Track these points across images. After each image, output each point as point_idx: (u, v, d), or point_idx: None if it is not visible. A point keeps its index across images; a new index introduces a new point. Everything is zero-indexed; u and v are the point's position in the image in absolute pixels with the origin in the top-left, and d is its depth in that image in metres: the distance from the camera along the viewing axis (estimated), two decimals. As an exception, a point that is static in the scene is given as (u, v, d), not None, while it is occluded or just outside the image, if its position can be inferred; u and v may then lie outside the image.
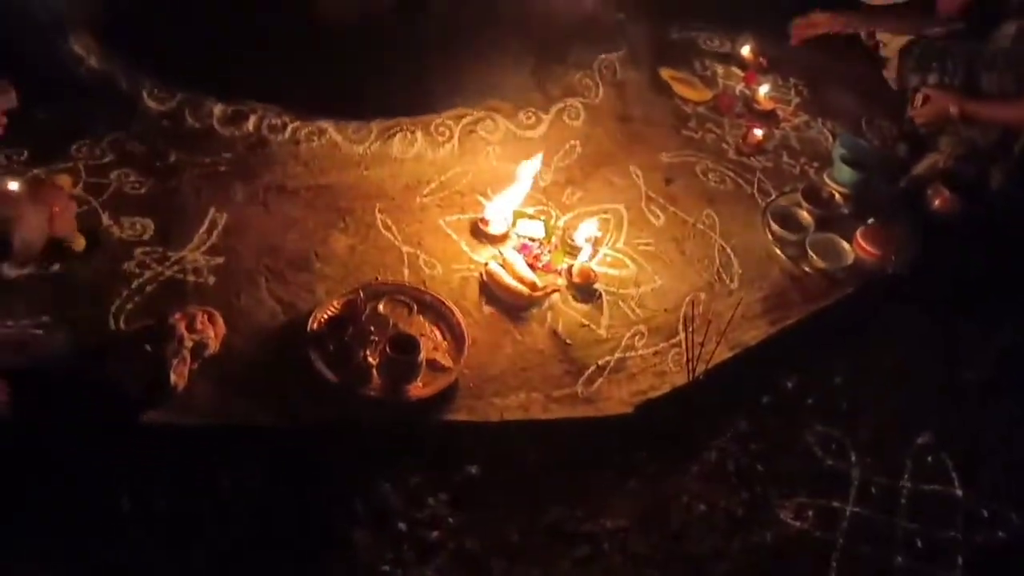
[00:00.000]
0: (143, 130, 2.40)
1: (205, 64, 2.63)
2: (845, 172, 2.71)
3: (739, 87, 3.15)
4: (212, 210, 2.25)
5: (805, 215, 2.55)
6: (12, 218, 1.77)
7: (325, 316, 1.99)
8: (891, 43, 3.26)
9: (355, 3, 3.01)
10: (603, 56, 2.94)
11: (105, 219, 2.15)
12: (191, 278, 2.06)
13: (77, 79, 2.46)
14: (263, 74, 2.67)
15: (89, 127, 2.39)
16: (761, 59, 3.28)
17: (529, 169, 2.40)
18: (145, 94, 2.44)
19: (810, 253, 2.42)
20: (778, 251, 2.47)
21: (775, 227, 2.51)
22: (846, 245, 2.44)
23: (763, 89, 3.06)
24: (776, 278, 2.40)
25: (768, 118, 3.01)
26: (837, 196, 2.65)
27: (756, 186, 2.72)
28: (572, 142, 2.69)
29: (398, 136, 2.49)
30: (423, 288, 2.13)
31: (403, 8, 3.11)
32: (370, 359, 1.90)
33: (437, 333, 2.04)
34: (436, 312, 2.08)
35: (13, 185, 1.90)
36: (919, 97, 2.67)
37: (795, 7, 3.33)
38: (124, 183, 2.27)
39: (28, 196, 1.82)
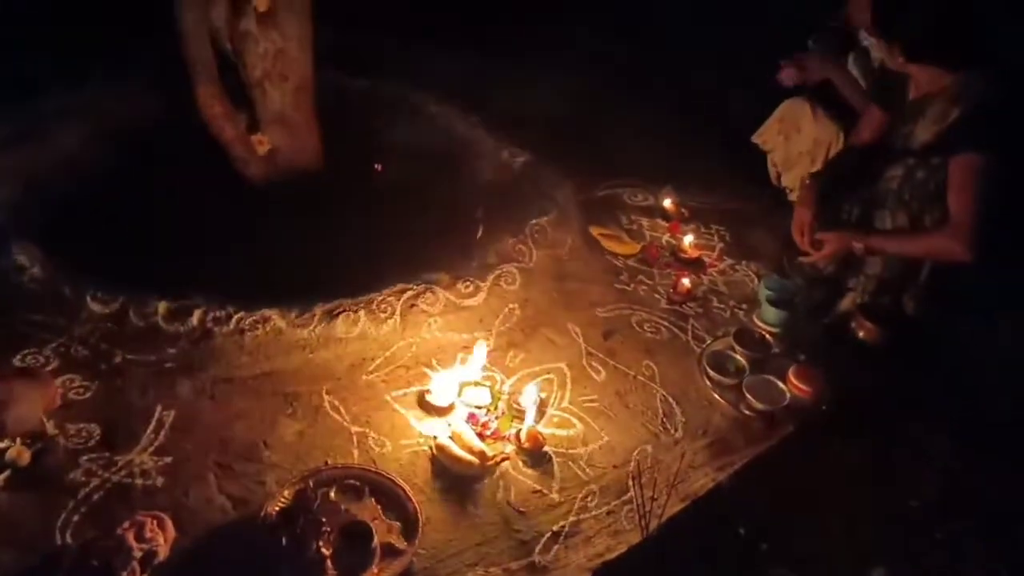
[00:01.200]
0: (87, 333, 2.43)
1: (146, 263, 2.72)
2: (771, 312, 2.84)
3: (665, 238, 3.32)
4: (159, 408, 2.27)
5: (739, 358, 2.65)
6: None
7: (276, 508, 1.99)
8: (796, 188, 3.49)
9: (291, 191, 3.17)
10: (534, 221, 3.09)
11: (50, 428, 2.15)
12: (139, 481, 2.06)
13: (20, 289, 2.50)
14: (203, 267, 2.77)
15: (33, 336, 2.41)
16: (683, 209, 3.48)
17: (476, 359, 2.48)
18: (88, 297, 2.49)
19: (747, 396, 2.51)
20: (717, 396, 2.55)
21: (712, 373, 2.60)
22: (781, 385, 2.54)
23: (687, 239, 3.23)
24: (718, 423, 2.47)
25: (695, 265, 3.17)
26: (767, 336, 2.77)
27: (690, 333, 2.83)
28: (511, 306, 2.79)
29: (341, 317, 2.56)
30: (373, 469, 2.14)
31: (341, 194, 3.29)
32: (323, 549, 1.89)
33: (390, 515, 2.04)
34: (388, 493, 2.09)
35: None
36: (803, 239, 2.84)
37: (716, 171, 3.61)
38: (69, 388, 2.28)
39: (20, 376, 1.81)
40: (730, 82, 4.32)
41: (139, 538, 1.81)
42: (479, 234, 3.16)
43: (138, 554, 1.79)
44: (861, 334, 2.76)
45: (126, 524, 1.84)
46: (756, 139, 3.62)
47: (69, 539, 1.88)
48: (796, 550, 2.18)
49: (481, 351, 2.52)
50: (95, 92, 3.50)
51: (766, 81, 3.48)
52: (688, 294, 2.97)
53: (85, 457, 2.09)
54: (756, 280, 3.11)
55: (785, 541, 2.19)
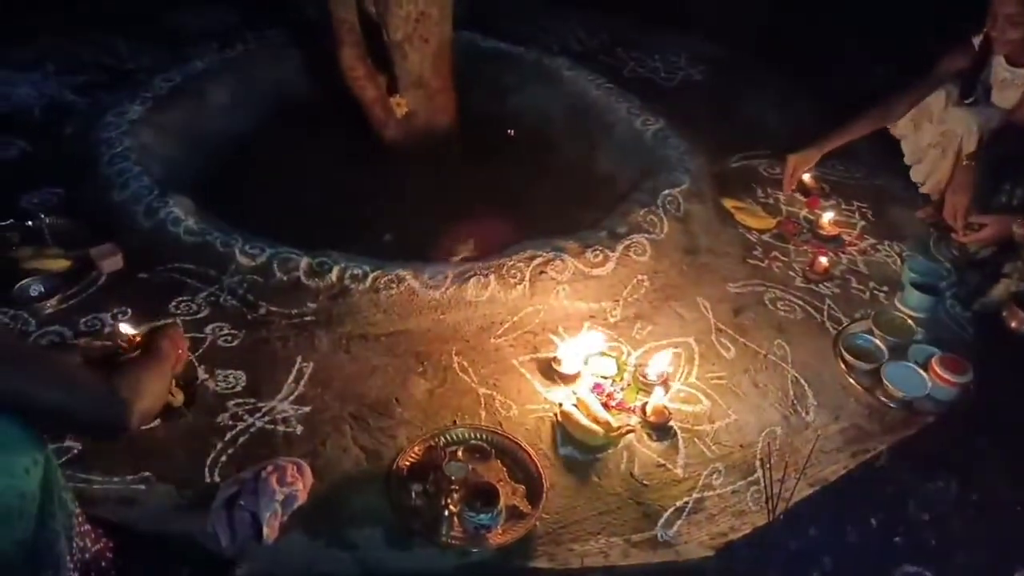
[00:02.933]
0: (235, 284, 2.56)
1: (291, 221, 2.85)
2: (915, 297, 2.71)
3: (802, 213, 3.20)
4: (299, 359, 2.37)
5: (878, 343, 2.55)
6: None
7: (406, 464, 2.06)
8: (925, 181, 3.30)
9: (428, 156, 3.23)
10: (666, 191, 3.04)
11: (201, 373, 2.29)
12: (280, 428, 2.16)
13: (177, 239, 2.66)
14: (344, 227, 2.87)
15: (187, 284, 2.56)
16: (822, 184, 3.35)
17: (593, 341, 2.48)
18: (237, 251, 2.62)
19: (886, 383, 2.41)
20: (852, 381, 2.46)
21: (848, 356, 2.51)
22: (923, 373, 2.42)
23: (827, 215, 3.10)
24: (853, 409, 2.39)
25: (833, 243, 3.05)
26: (909, 321, 2.64)
27: (826, 314, 2.73)
28: (640, 277, 2.76)
29: (472, 280, 2.60)
30: (500, 432, 2.19)
31: (474, 159, 3.33)
32: (451, 507, 1.95)
33: (514, 478, 2.08)
34: (513, 456, 2.13)
35: (128, 328, 2.04)
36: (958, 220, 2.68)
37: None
38: (218, 336, 2.42)
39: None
40: (876, 51, 4.11)
41: (281, 482, 1.92)
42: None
43: (280, 497, 1.89)
44: (1013, 324, 2.61)
45: (269, 468, 1.95)
46: (890, 129, 3.41)
47: (217, 478, 2.00)
48: (931, 546, 2.09)
49: (596, 338, 2.51)
50: (245, 51, 3.65)
51: (912, 53, 3.29)
52: (825, 273, 2.87)
53: (232, 402, 2.22)
54: (899, 262, 2.97)
55: (919, 536, 2.11)
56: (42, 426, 1.40)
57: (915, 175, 3.35)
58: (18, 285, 2.44)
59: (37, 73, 3.50)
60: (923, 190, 3.31)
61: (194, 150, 3.22)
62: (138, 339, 1.92)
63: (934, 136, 3.19)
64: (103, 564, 1.64)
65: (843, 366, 2.51)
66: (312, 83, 3.60)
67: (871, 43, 4.13)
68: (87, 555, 1.59)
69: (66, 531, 1.51)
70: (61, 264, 2.56)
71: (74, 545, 1.54)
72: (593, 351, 2.46)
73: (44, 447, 1.41)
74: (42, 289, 2.45)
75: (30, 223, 2.66)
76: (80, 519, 1.58)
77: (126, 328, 2.01)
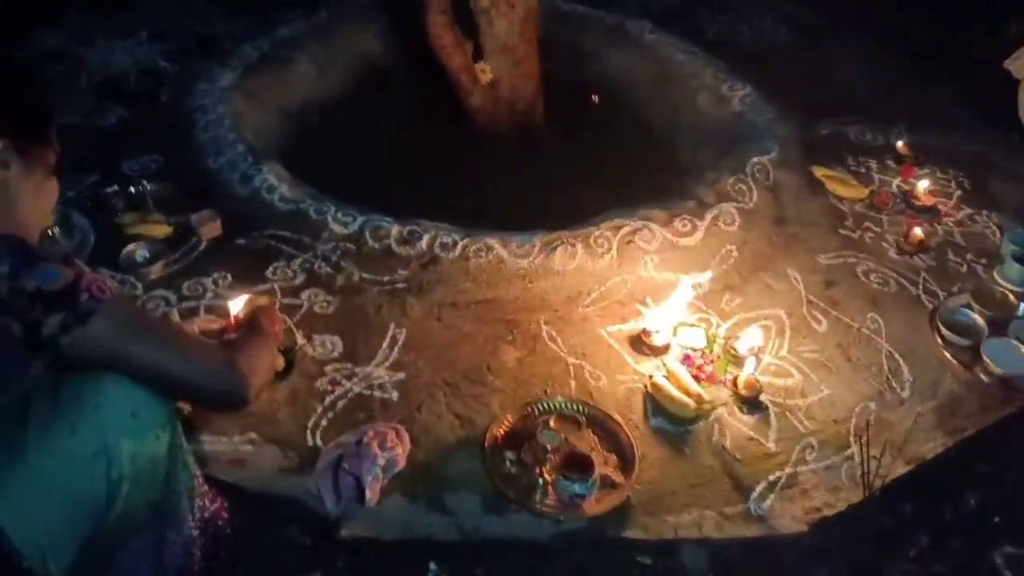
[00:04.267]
0: (329, 251, 2.62)
1: (382, 188, 2.89)
2: (1016, 270, 2.63)
3: (895, 182, 3.12)
4: (392, 326, 2.42)
5: (977, 318, 2.49)
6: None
7: (500, 432, 2.10)
8: None
9: (512, 122, 3.23)
10: (755, 159, 2.98)
11: (299, 338, 2.35)
12: (377, 394, 2.22)
13: (271, 207, 2.72)
14: (434, 195, 2.90)
15: (282, 251, 2.63)
16: (916, 151, 3.25)
17: (692, 283, 2.47)
18: (330, 218, 2.67)
19: (985, 359, 2.35)
20: (950, 356, 2.41)
21: (945, 332, 2.46)
22: (1024, 350, 2.36)
23: (922, 184, 3.01)
24: (950, 386, 2.34)
25: (929, 213, 2.96)
26: (1010, 296, 2.57)
27: (922, 287, 2.67)
28: (728, 247, 2.73)
29: (559, 249, 2.60)
30: (591, 403, 2.21)
31: (557, 124, 3.32)
32: (546, 475, 1.99)
33: (606, 448, 2.10)
34: (605, 427, 2.15)
35: (235, 305, 2.11)
36: None
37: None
38: (314, 303, 2.48)
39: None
40: (966, 10, 3.94)
41: (382, 447, 1.97)
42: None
43: (381, 462, 1.94)
44: (1124, 301, 2.51)
45: (371, 432, 2.01)
46: (1009, 65, 3.28)
47: (319, 441, 2.07)
48: (1032, 528, 2.06)
49: (686, 289, 2.49)
50: (330, 19, 3.68)
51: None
52: (921, 245, 2.79)
53: (330, 367, 2.28)
54: (998, 233, 2.88)
55: (1020, 518, 2.07)
56: (170, 395, 1.47)
57: None
58: (124, 251, 2.53)
59: (132, 40, 3.59)
60: None
61: (283, 117, 3.28)
62: (241, 317, 1.98)
63: None
64: (219, 523, 1.72)
65: (940, 341, 2.46)
66: (397, 49, 3.61)
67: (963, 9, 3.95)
68: (206, 514, 1.67)
69: (188, 491, 1.59)
70: (163, 230, 2.64)
71: (195, 504, 1.62)
72: (682, 321, 2.46)
73: (172, 413, 1.48)
74: (147, 255, 2.54)
75: (132, 189, 2.75)
76: (200, 480, 1.65)
77: (234, 306, 2.07)
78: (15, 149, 1.40)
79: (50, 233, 2.47)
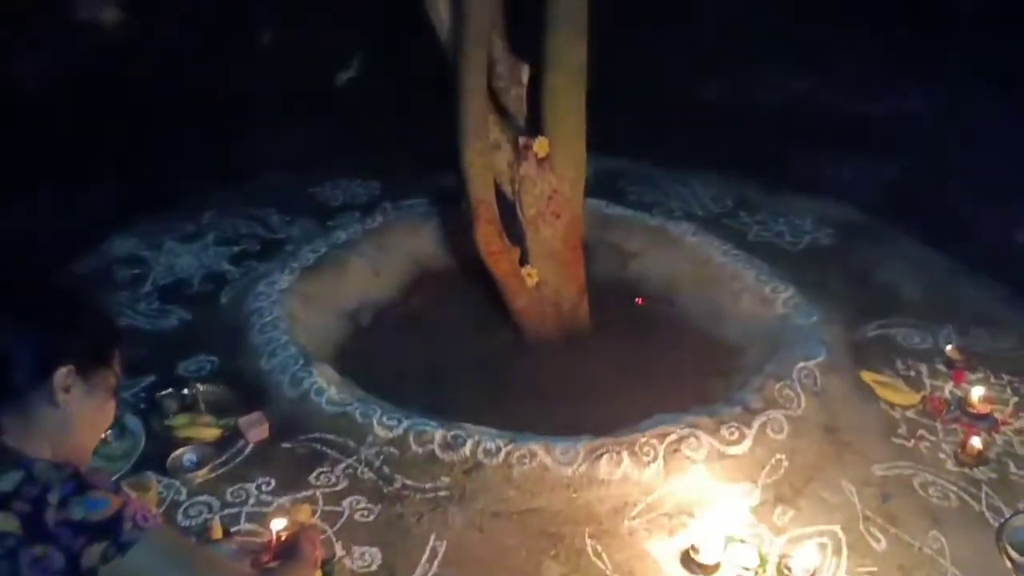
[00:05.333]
0: (372, 456, 2.62)
1: (430, 388, 2.93)
2: (1086, 486, 2.51)
3: (948, 387, 3.05)
4: (432, 538, 2.37)
5: (1048, 539, 2.36)
6: None
7: (543, 659, 1.99)
8: None
9: (557, 324, 3.29)
10: (801, 364, 2.97)
11: (338, 549, 2.31)
12: (416, 613, 2.15)
13: (319, 409, 2.76)
14: (481, 396, 2.93)
15: (327, 455, 2.64)
16: (968, 355, 3.20)
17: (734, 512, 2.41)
18: (375, 422, 2.69)
19: (1059, 585, 2.21)
20: (1021, 581, 2.27)
21: (1013, 553, 2.32)
22: (1103, 577, 2.21)
23: (976, 391, 2.94)
24: (1023, 614, 2.19)
25: (986, 421, 2.88)
26: (1082, 515, 2.44)
27: (984, 502, 2.55)
28: (778, 456, 2.67)
29: (604, 457, 2.57)
30: (638, 627, 2.10)
31: (601, 327, 3.38)
32: None
33: None
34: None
35: (277, 524, 2.09)
36: None
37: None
38: (355, 510, 2.46)
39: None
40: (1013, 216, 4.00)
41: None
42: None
43: None
44: None
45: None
46: None
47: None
48: None
49: (736, 502, 2.42)
50: (385, 222, 3.87)
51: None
52: (980, 456, 2.70)
53: (368, 581, 2.23)
54: (1062, 444, 2.78)
55: None
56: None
57: None
58: (173, 456, 2.57)
59: (198, 244, 3.80)
60: None
61: (337, 318, 3.39)
62: (283, 537, 1.98)
63: None
64: None
65: (1009, 563, 2.32)
66: (448, 252, 3.76)
67: (1006, 208, 4.02)
68: None
69: None
70: (212, 433, 2.69)
71: None
72: (733, 538, 2.37)
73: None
74: (195, 459, 2.57)
75: (185, 391, 2.83)
76: None
77: (276, 525, 2.06)
78: (78, 373, 1.46)
79: (103, 436, 2.52)
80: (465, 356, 3.26)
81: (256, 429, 2.68)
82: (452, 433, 2.64)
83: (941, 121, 5.39)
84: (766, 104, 5.67)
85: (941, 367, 3.17)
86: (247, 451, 2.65)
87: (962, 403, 2.95)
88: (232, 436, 2.69)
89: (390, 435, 2.66)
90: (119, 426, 2.63)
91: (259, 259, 3.68)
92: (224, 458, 2.61)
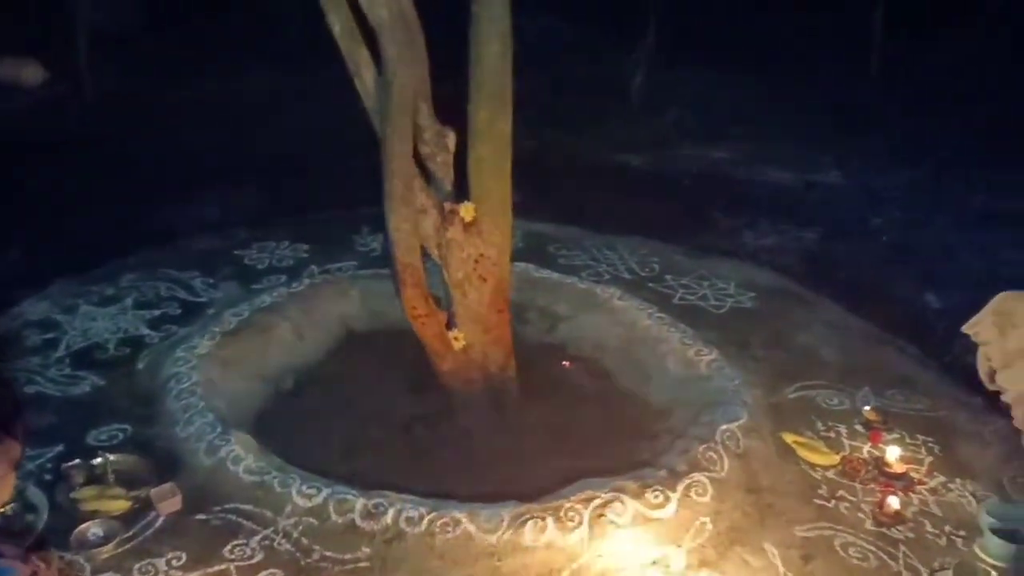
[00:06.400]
0: (291, 527, 2.54)
1: (354, 455, 2.88)
2: (996, 544, 2.57)
3: (866, 448, 3.12)
4: (351, 614, 2.30)
5: (963, 599, 2.40)
6: None
7: None
8: (1013, 388, 3.24)
9: (484, 388, 3.28)
10: (724, 426, 3.00)
11: (251, 625, 2.22)
12: None
13: (236, 478, 2.67)
14: (405, 462, 2.88)
15: (242, 526, 2.55)
16: (884, 416, 3.28)
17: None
18: (294, 491, 2.61)
19: (977, 646, 2.24)
20: (940, 642, 2.29)
21: (931, 614, 2.36)
22: (1017, 634, 2.25)
23: (892, 451, 3.01)
24: (943, 675, 2.21)
25: (902, 481, 2.94)
26: (993, 573, 2.49)
27: (902, 562, 2.59)
28: (702, 519, 2.67)
29: (529, 523, 2.54)
30: None
31: (529, 390, 3.37)
32: None
33: None
34: None
35: None
36: None
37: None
38: (270, 584, 2.37)
39: None
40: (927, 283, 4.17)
41: None
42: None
43: None
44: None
45: None
46: (968, 330, 3.40)
47: None
48: None
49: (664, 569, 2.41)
50: (311, 285, 3.83)
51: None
52: (897, 516, 2.75)
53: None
54: (974, 502, 2.85)
55: None
56: None
57: (1001, 378, 3.26)
58: (77, 530, 2.45)
59: (116, 307, 3.69)
60: (1005, 398, 3.23)
61: (258, 382, 3.31)
62: None
63: (1021, 342, 3.16)
64: None
65: (926, 624, 2.35)
66: (375, 316, 3.73)
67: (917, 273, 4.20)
68: None
69: None
70: (121, 506, 2.58)
71: None
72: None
73: None
74: (100, 533, 2.45)
75: (95, 462, 2.71)
76: None
77: None
78: None
79: (1, 510, 2.40)
80: (390, 421, 3.21)
81: (168, 501, 2.58)
82: (373, 502, 2.59)
83: (857, 190, 5.67)
84: (689, 172, 5.89)
85: (859, 428, 3.24)
86: (157, 524, 2.55)
87: (879, 463, 3.01)
88: (142, 508, 2.58)
89: (309, 504, 2.59)
90: (21, 500, 2.50)
91: (179, 323, 3.58)
92: (132, 532, 2.50)
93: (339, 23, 2.77)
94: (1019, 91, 6.49)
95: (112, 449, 2.82)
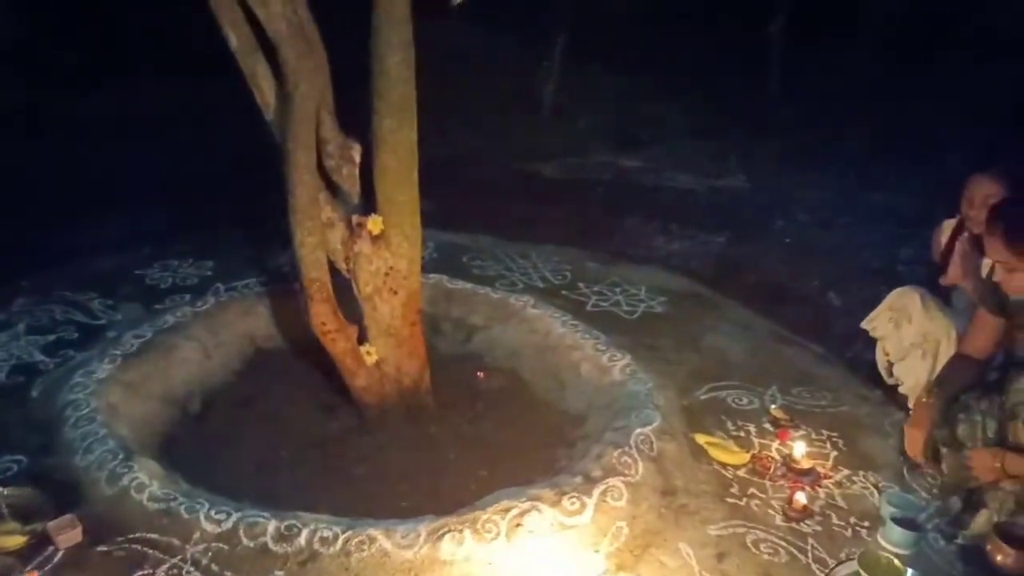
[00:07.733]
0: (199, 554, 2.45)
1: (264, 476, 2.80)
2: (896, 533, 2.67)
3: (775, 445, 3.20)
4: (263, 639, 2.24)
5: (867, 586, 2.48)
6: None
7: None
8: (908, 380, 3.39)
9: (399, 402, 3.24)
10: (638, 430, 3.04)
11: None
12: None
13: (140, 506, 2.57)
14: (318, 480, 2.82)
15: (148, 556, 2.45)
16: (790, 414, 3.38)
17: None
18: (202, 516, 2.53)
19: (882, 632, 2.32)
20: (847, 631, 2.37)
21: (837, 603, 2.43)
22: (918, 620, 2.34)
23: (798, 447, 3.10)
24: (851, 664, 2.28)
25: (809, 476, 3.03)
26: (895, 561, 2.58)
27: (811, 555, 2.67)
28: (618, 524, 2.70)
29: (447, 537, 2.52)
30: None
31: (445, 402, 3.35)
32: None
33: None
34: None
35: None
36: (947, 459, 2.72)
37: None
38: (180, 614, 2.28)
39: None
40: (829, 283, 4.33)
41: None
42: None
43: None
44: (999, 558, 2.55)
45: None
46: (866, 325, 3.55)
47: None
48: None
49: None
50: (217, 303, 3.72)
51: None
52: (805, 510, 2.82)
53: None
54: (876, 493, 2.95)
55: None
56: None
57: (898, 371, 3.45)
58: (-33, 570, 2.32)
59: (7, 333, 3.51)
60: (902, 390, 3.38)
61: (163, 406, 3.20)
62: None
63: (916, 336, 3.32)
64: None
65: (834, 613, 2.42)
66: (284, 333, 3.65)
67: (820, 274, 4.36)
68: None
69: None
70: (16, 541, 2.44)
71: None
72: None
73: None
74: (-5, 572, 2.33)
75: (-13, 496, 2.57)
76: None
77: None
78: None
79: None
80: (303, 440, 3.14)
81: (67, 534, 2.46)
82: (286, 523, 2.52)
83: (762, 194, 5.85)
84: (601, 179, 5.97)
85: (768, 426, 3.32)
86: (57, 559, 2.43)
87: (787, 460, 3.09)
88: (40, 543, 2.46)
89: (219, 530, 2.51)
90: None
91: (77, 348, 3.43)
92: (30, 568, 2.38)
93: (236, 37, 2.71)
94: (911, 93, 6.83)
95: (5, 482, 2.67)
